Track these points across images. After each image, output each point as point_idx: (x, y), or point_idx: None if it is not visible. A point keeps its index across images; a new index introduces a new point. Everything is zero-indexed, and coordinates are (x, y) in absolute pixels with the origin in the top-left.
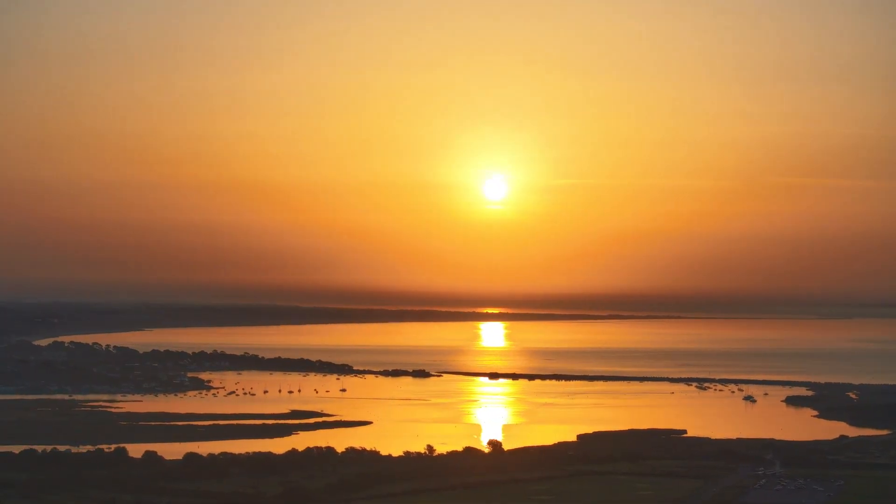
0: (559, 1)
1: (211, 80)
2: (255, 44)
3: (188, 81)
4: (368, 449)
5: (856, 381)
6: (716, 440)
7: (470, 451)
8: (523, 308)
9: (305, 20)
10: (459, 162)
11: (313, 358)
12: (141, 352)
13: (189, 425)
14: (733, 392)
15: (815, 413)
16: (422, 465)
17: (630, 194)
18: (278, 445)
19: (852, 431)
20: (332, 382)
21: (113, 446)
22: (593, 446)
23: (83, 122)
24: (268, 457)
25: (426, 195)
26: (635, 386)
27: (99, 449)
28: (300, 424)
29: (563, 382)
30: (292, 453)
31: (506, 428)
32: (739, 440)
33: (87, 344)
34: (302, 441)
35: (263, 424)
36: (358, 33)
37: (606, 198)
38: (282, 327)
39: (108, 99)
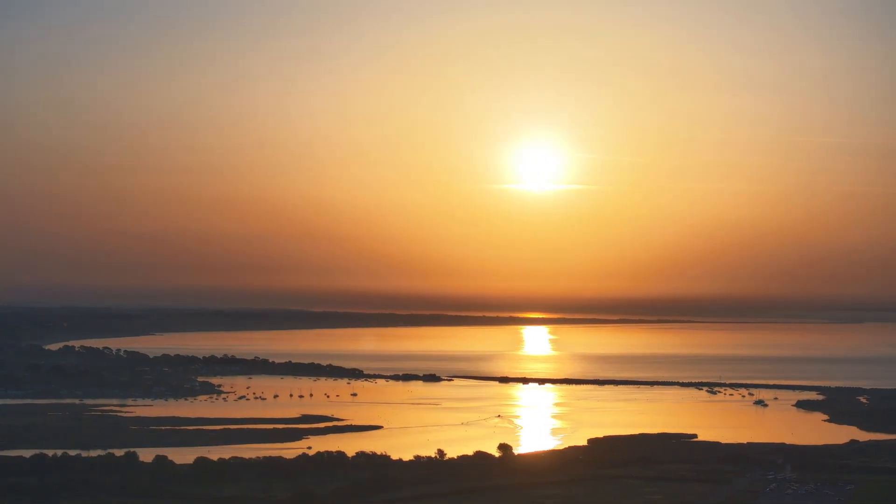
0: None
1: (230, 94)
2: (292, 63)
3: (212, 94)
4: (379, 453)
5: (866, 386)
6: (726, 444)
7: (480, 456)
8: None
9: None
10: (502, 169)
11: (325, 363)
12: (151, 356)
13: (199, 430)
14: (744, 396)
15: (826, 417)
16: (432, 470)
17: (657, 200)
18: (289, 450)
19: (863, 436)
20: (342, 387)
21: (123, 451)
22: (604, 450)
23: (91, 131)
24: (278, 461)
25: (473, 201)
26: (646, 390)
27: (110, 453)
28: (311, 429)
29: (573, 387)
30: (303, 458)
31: (516, 432)
32: (750, 444)
33: (98, 348)
34: (312, 445)
35: (274, 429)
36: (401, 55)
37: (640, 204)
38: (311, 331)
39: (119, 108)
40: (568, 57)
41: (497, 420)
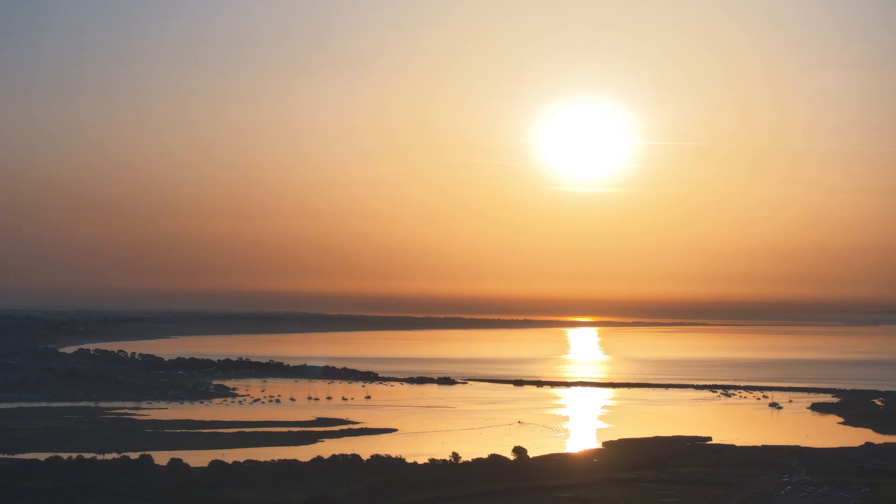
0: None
1: (243, 106)
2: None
3: (225, 104)
4: (394, 456)
5: (881, 388)
6: (741, 447)
7: (495, 459)
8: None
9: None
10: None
11: (339, 366)
12: (166, 359)
13: (214, 433)
14: (758, 399)
15: (841, 420)
16: (447, 473)
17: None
18: (304, 453)
19: (878, 438)
20: (357, 390)
21: (139, 454)
22: (618, 453)
23: (103, 135)
24: (293, 464)
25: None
26: (660, 392)
27: (125, 456)
28: (325, 432)
29: (588, 389)
30: (317, 461)
31: (531, 435)
32: (765, 447)
33: (113, 352)
34: (327, 448)
35: (289, 432)
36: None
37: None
38: (325, 334)
39: (131, 117)
40: (621, 38)
41: (517, 425)
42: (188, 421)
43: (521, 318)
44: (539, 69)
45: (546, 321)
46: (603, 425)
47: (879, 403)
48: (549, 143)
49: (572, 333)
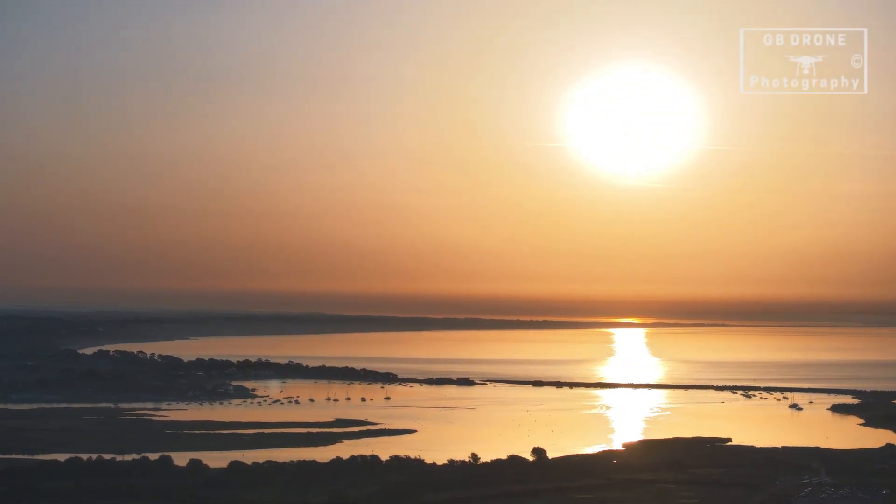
0: None
1: (266, 103)
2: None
3: (252, 105)
4: (413, 457)
5: None
6: (761, 448)
7: (514, 460)
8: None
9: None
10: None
11: (358, 367)
12: (186, 360)
13: (234, 433)
14: (779, 400)
15: (861, 421)
16: (466, 474)
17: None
18: (323, 454)
19: None
20: (376, 391)
21: (158, 454)
22: (637, 454)
23: (118, 137)
24: (312, 465)
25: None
26: (680, 394)
27: (144, 457)
28: (345, 433)
29: (606, 390)
30: (337, 461)
31: (550, 435)
32: (785, 448)
33: (132, 352)
34: (346, 449)
35: (308, 433)
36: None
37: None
38: (346, 335)
39: (144, 121)
40: (665, 46)
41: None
42: (208, 422)
43: (540, 318)
44: (584, 67)
45: (571, 322)
46: (623, 426)
47: None
48: (590, 141)
49: (591, 336)
